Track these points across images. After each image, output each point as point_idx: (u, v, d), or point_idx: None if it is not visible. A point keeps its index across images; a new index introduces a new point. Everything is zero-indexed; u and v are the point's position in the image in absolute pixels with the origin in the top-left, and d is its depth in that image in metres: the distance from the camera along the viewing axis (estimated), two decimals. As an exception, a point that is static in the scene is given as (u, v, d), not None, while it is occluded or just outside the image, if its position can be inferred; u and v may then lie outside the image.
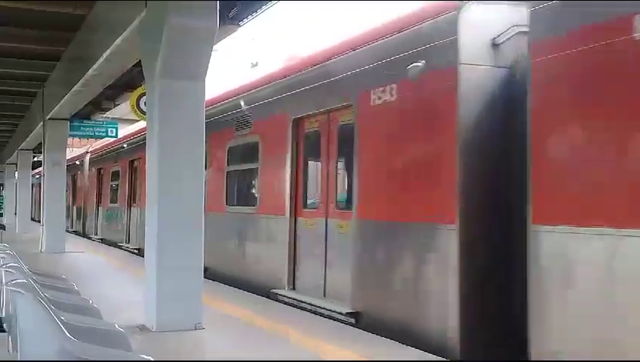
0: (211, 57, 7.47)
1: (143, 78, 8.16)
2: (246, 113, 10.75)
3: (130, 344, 3.62)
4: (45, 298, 3.31)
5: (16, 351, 3.17)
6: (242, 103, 10.86)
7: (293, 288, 9.15)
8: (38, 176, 30.01)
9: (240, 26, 9.21)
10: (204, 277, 7.49)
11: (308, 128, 9.07)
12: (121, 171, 19.83)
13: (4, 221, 29.26)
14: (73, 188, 28.48)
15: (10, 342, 3.58)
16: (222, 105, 11.72)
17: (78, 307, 4.17)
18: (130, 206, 18.82)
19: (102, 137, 20.81)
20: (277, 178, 9.62)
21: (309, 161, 9.27)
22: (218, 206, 11.42)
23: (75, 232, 26.31)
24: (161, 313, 7.00)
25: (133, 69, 12.07)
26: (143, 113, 13.73)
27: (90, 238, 23.37)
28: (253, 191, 11.08)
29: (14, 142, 27.13)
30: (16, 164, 28.79)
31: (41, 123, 17.64)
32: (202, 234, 7.35)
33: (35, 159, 28.50)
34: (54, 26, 11.61)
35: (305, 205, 9.11)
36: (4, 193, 37.43)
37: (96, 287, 9.33)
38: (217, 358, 6.15)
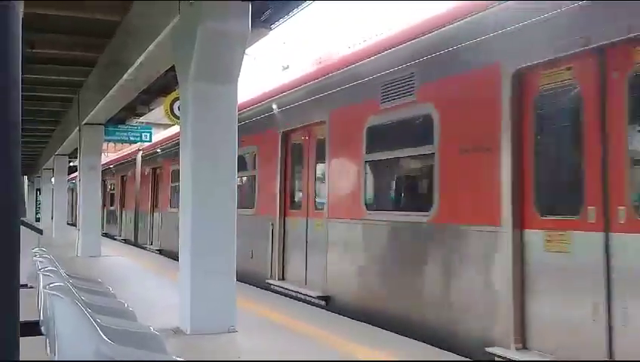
0: (244, 61, 7.51)
1: (177, 83, 8.23)
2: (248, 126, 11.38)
3: (166, 347, 3.62)
4: (82, 301, 3.33)
5: (54, 354, 3.19)
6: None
7: (282, 278, 10.60)
8: (73, 181, 30.41)
9: (271, 29, 9.21)
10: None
11: (294, 140, 10.56)
12: None
13: (41, 225, 29.74)
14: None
15: (48, 344, 3.61)
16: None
17: (113, 310, 4.19)
18: None
19: (136, 142, 21.01)
20: (271, 183, 10.99)
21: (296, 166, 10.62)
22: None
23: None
24: (195, 316, 7.04)
25: (167, 74, 12.18)
26: (177, 117, 13.85)
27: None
28: (253, 194, 11.90)
29: (51, 147, 27.55)
30: (52, 169, 29.21)
31: (77, 128, 17.90)
32: (234, 237, 7.37)
33: (71, 164, 28.90)
34: (90, 32, 11.77)
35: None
36: (40, 198, 38.06)
37: (130, 291, 9.40)
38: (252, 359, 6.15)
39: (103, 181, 26.36)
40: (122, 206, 26.20)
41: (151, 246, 20.07)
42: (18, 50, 1.98)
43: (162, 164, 19.75)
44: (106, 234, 25.99)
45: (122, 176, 26.46)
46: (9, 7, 1.78)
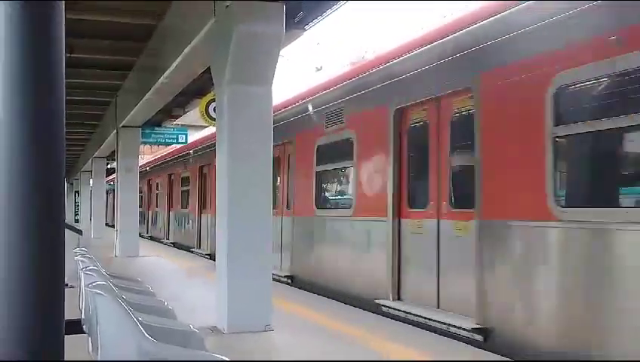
0: (278, 62, 7.56)
1: (212, 85, 8.32)
2: None
3: (205, 344, 3.67)
4: (123, 299, 3.39)
5: (96, 352, 3.26)
6: None
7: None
8: (111, 183, 30.77)
9: (305, 30, 9.25)
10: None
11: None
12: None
13: (80, 226, 30.26)
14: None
15: (91, 342, 3.69)
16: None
17: (154, 308, 4.26)
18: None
19: (171, 144, 21.25)
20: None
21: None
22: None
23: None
24: (232, 315, 7.11)
25: (203, 76, 12.30)
26: (213, 119, 14.00)
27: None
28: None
29: (89, 150, 28.01)
30: (90, 172, 29.70)
31: (114, 131, 18.17)
32: (270, 237, 7.43)
33: (109, 166, 29.34)
34: (127, 36, 11.97)
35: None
36: (79, 200, 38.71)
37: (169, 290, 9.53)
38: (291, 359, 6.19)
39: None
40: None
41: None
42: (61, 52, 2.03)
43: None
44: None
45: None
46: (54, 7, 1.82)
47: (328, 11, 8.78)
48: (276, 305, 7.58)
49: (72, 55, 12.24)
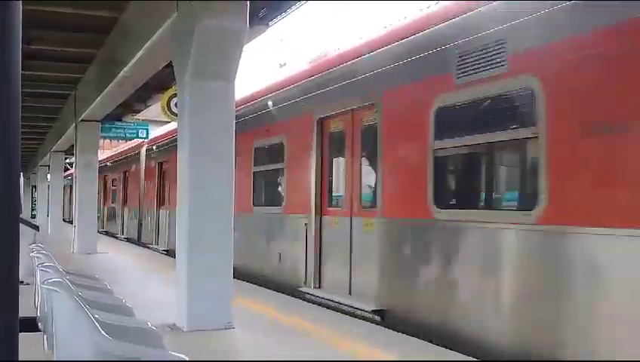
0: (241, 58, 7.52)
1: (174, 79, 8.23)
2: None
3: (164, 342, 3.64)
4: (80, 296, 3.34)
5: (52, 349, 3.21)
6: None
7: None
8: (69, 178, 30.27)
9: (269, 26, 9.23)
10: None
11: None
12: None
13: (37, 222, 29.71)
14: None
15: (46, 340, 3.62)
16: None
17: (111, 306, 4.20)
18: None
19: (132, 139, 21.00)
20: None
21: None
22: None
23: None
24: (192, 312, 7.05)
25: (165, 70, 12.17)
26: (174, 114, 13.86)
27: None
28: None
29: (47, 144, 27.53)
30: (48, 166, 29.20)
31: (73, 125, 17.88)
32: (232, 234, 7.39)
33: (67, 161, 28.85)
34: (87, 28, 11.76)
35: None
36: (36, 195, 38.01)
37: (127, 287, 9.41)
38: (251, 358, 6.16)
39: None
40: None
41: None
42: (18, 46, 1.99)
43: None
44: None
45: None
46: (10, 6, 1.78)
47: (292, 8, 8.78)
48: (237, 303, 7.54)
49: (30, 46, 12.00)
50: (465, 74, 6.40)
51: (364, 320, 7.58)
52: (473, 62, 6.29)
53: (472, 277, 6.35)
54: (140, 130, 20.20)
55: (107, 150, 30.44)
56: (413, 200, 7.23)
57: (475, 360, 5.79)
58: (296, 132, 10.02)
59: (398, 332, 6.90)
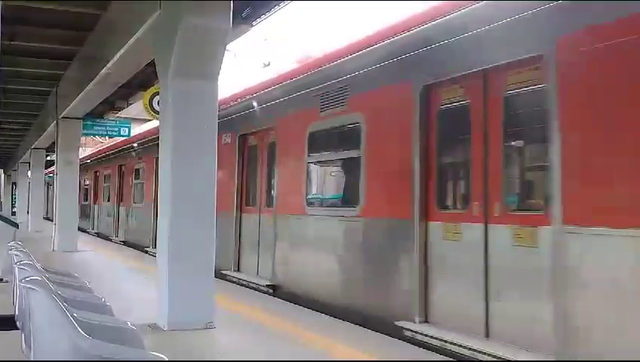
0: (224, 57, 7.50)
1: (157, 78, 8.19)
2: None
3: (143, 342, 3.62)
4: (58, 295, 3.32)
5: (30, 348, 3.18)
6: None
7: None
8: (50, 175, 30.00)
9: (253, 25, 9.21)
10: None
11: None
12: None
13: (17, 219, 29.43)
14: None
15: (24, 338, 3.59)
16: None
17: (90, 304, 4.17)
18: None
19: (113, 136, 20.85)
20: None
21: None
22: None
23: None
24: (173, 312, 7.02)
25: (147, 69, 12.12)
26: (156, 112, 13.77)
27: None
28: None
29: (28, 140, 27.27)
30: (29, 163, 28.94)
31: (55, 122, 17.72)
32: (214, 234, 7.36)
33: (48, 158, 28.59)
34: (69, 25, 11.68)
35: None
36: (17, 192, 37.65)
37: (108, 286, 9.36)
38: (230, 358, 6.15)
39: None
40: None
41: None
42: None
43: None
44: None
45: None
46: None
47: (275, 8, 8.78)
48: (218, 303, 7.53)
49: (12, 42, 11.90)
50: (325, 108, 8.89)
51: (265, 293, 9.92)
52: (329, 100, 8.76)
53: (326, 256, 8.71)
54: (122, 128, 20.03)
55: (89, 148, 30.25)
56: (295, 200, 9.55)
57: (452, 360, 5.84)
58: (223, 146, 11.62)
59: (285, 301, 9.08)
